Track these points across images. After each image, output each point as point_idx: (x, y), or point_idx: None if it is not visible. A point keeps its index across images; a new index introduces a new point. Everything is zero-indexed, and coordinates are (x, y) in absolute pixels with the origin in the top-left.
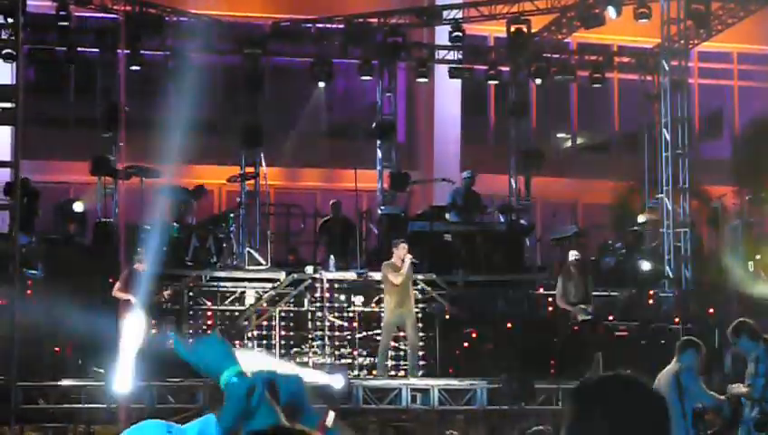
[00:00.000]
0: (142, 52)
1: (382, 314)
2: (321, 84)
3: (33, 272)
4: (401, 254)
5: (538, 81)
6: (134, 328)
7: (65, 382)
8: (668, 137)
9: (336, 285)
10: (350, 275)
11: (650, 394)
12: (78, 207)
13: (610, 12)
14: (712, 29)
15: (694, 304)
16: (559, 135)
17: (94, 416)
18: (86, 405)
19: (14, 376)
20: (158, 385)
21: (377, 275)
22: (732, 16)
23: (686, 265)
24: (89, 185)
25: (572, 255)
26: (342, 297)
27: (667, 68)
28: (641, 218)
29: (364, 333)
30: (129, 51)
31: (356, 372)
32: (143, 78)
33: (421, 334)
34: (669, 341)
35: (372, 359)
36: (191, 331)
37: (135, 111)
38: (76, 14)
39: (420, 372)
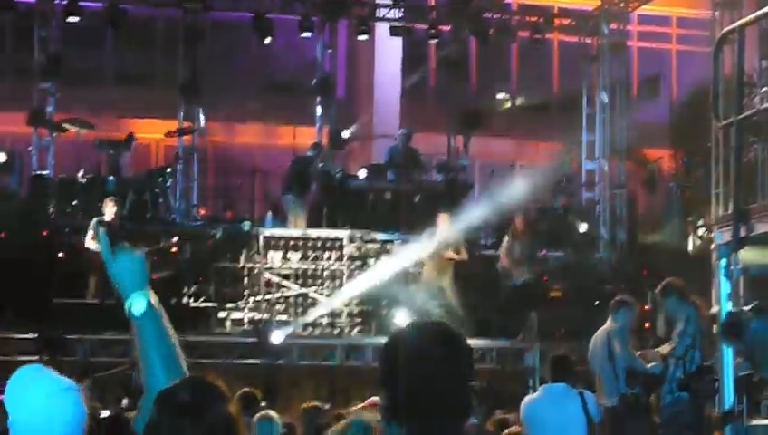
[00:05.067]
0: (81, 3)
1: (317, 272)
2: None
3: None
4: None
5: (478, 40)
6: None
7: None
8: (606, 99)
9: (273, 242)
10: (287, 232)
11: (446, 341)
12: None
13: None
14: None
15: (628, 265)
16: (498, 95)
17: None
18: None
19: None
20: (89, 338)
21: (315, 233)
22: None
23: (621, 227)
24: (24, 136)
25: (520, 214)
26: (279, 254)
27: (606, 31)
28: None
29: (300, 290)
30: (67, 2)
31: (291, 330)
32: (81, 29)
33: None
34: (604, 302)
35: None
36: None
37: (73, 62)
38: None
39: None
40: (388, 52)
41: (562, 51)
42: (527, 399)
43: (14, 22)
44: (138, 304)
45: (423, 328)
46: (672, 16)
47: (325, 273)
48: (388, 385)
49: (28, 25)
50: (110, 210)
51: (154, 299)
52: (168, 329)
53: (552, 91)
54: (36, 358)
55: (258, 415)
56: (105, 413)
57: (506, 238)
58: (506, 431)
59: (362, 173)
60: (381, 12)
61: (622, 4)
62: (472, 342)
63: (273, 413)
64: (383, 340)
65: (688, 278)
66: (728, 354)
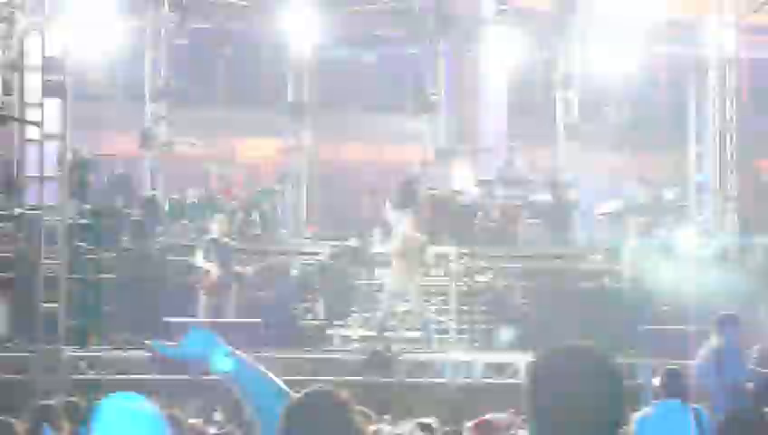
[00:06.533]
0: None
1: (425, 288)
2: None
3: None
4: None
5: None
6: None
7: (112, 353)
8: (716, 110)
9: (381, 258)
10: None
11: (598, 364)
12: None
13: None
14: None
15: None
16: (605, 108)
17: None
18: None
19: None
20: None
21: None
22: None
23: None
24: (135, 157)
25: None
26: (387, 271)
27: (716, 41)
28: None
29: (409, 307)
30: (175, 24)
31: (399, 346)
32: (190, 51)
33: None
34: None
35: (417, 332)
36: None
37: (182, 84)
38: None
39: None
40: (494, 66)
41: (671, 62)
42: (639, 415)
43: (125, 43)
44: (222, 361)
45: (571, 351)
46: None
47: (433, 289)
48: (537, 409)
49: (139, 47)
50: (218, 229)
51: (231, 349)
52: (259, 366)
53: (661, 103)
54: (149, 377)
55: (371, 429)
56: (212, 431)
57: (627, 246)
58: None
59: (471, 189)
60: (486, 26)
61: (732, 15)
62: None
63: (386, 428)
64: (491, 356)
65: None
66: None
